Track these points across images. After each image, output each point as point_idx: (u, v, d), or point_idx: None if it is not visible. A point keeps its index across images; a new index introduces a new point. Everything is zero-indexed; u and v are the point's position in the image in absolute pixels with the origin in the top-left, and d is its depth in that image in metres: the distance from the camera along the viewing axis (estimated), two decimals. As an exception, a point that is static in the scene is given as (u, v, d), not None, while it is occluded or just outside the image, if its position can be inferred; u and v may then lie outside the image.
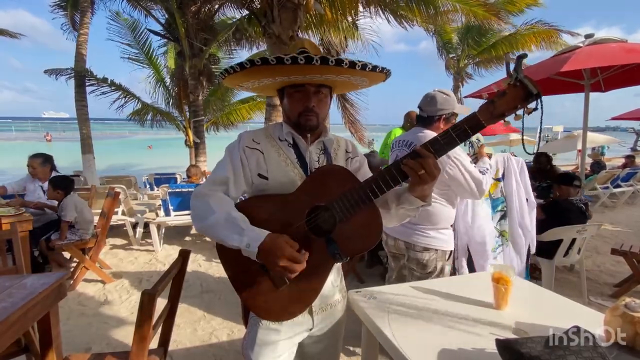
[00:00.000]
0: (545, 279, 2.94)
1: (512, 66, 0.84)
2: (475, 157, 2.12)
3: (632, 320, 0.84)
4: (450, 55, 12.51)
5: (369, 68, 0.92)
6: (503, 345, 0.85)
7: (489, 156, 2.20)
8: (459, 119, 1.91)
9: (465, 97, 4.57)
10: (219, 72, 1.03)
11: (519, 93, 0.82)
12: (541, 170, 4.43)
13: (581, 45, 3.20)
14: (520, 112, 0.84)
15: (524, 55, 0.83)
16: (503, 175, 2.30)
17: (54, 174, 3.71)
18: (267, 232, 0.90)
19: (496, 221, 2.27)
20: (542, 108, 0.83)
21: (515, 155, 2.42)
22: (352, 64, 0.89)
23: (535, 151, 1.97)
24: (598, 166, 8.34)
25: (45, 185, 3.63)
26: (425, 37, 9.22)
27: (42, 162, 3.62)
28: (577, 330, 0.82)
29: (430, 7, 5.83)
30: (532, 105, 0.83)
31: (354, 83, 1.05)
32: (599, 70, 3.49)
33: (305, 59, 0.85)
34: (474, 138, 2.12)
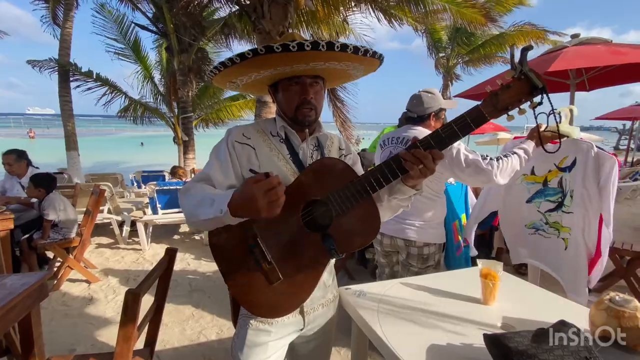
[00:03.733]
0: (531, 274, 2.99)
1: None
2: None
3: (616, 314, 0.86)
4: (440, 55, 12.63)
5: (369, 54, 0.90)
6: (491, 340, 0.86)
7: (560, 137, 1.78)
8: (447, 112, 1.93)
9: (455, 96, 4.60)
10: (212, 68, 0.98)
11: (523, 86, 0.80)
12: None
13: (567, 45, 3.25)
14: (524, 106, 0.82)
15: (530, 48, 0.81)
16: (570, 167, 1.80)
17: (30, 169, 3.63)
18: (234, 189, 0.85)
19: (544, 209, 1.93)
20: (550, 101, 0.80)
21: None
22: (356, 49, 0.87)
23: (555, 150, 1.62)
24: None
25: (24, 180, 3.55)
26: (418, 35, 9.24)
27: (16, 158, 3.55)
28: (563, 324, 0.83)
29: (420, 6, 5.85)
30: (537, 99, 0.81)
31: (350, 72, 1.03)
32: (583, 69, 3.56)
33: (312, 44, 0.82)
34: (566, 110, 1.72)
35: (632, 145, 13.11)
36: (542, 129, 1.70)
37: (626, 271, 3.07)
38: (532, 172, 1.98)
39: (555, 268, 1.95)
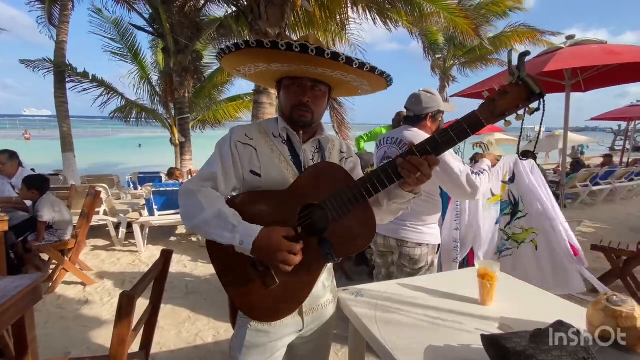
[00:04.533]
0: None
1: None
2: (475, 160, 2.09)
3: (614, 314, 0.85)
4: (437, 56, 12.68)
5: (366, 68, 0.88)
6: (489, 340, 0.85)
7: (498, 158, 2.13)
8: (445, 116, 1.92)
9: (452, 95, 4.62)
10: (216, 52, 0.99)
11: (521, 92, 0.79)
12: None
13: (563, 46, 3.28)
14: (521, 112, 0.81)
15: (527, 53, 0.80)
16: (512, 178, 2.22)
17: (21, 169, 3.63)
18: (260, 227, 0.88)
19: (504, 224, 2.22)
20: (544, 108, 0.80)
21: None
22: (349, 61, 0.85)
23: (535, 152, 1.80)
24: (578, 165, 8.58)
25: (14, 181, 3.54)
26: (414, 38, 9.27)
27: (9, 157, 3.56)
28: (561, 324, 0.83)
29: (415, 10, 5.88)
30: (534, 105, 0.80)
31: (354, 85, 1.01)
32: (579, 70, 3.58)
33: (301, 47, 0.82)
34: (486, 141, 2.17)
35: (628, 146, 13.19)
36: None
37: (622, 271, 3.09)
38: (492, 194, 2.22)
39: (530, 277, 2.07)
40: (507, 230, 2.22)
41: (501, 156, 2.17)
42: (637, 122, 12.13)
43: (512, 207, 2.23)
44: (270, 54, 0.88)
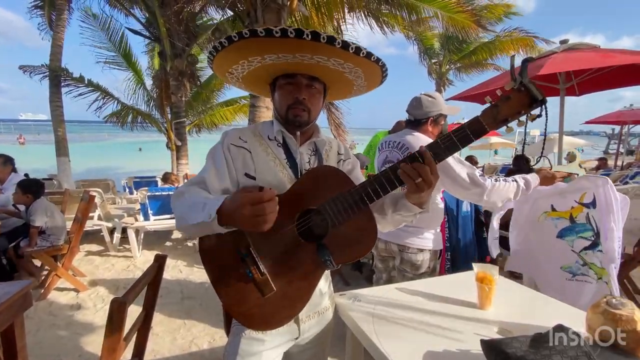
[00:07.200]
0: (526, 277, 3.00)
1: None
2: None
3: (613, 317, 0.84)
4: (433, 61, 12.79)
5: (363, 54, 0.86)
6: (488, 345, 0.84)
7: (573, 176, 1.81)
8: (449, 119, 1.90)
9: (449, 99, 4.65)
10: (207, 55, 0.97)
11: (523, 98, 0.79)
12: (520, 172, 4.58)
13: (556, 51, 3.30)
14: (523, 118, 0.81)
15: (530, 59, 0.81)
16: (593, 203, 1.75)
17: (12, 175, 3.61)
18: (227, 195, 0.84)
19: (578, 248, 1.80)
20: (546, 114, 0.80)
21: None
22: (346, 45, 0.83)
23: (536, 160, 1.50)
24: (574, 168, 8.62)
25: (5, 186, 3.52)
26: (410, 42, 9.36)
27: (2, 162, 3.56)
28: (561, 328, 0.82)
29: (412, 14, 5.92)
30: (535, 111, 0.80)
31: (349, 78, 0.99)
32: (573, 74, 3.61)
33: (296, 31, 0.80)
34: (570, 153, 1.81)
35: (622, 150, 13.33)
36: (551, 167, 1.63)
37: (619, 273, 3.09)
38: (553, 209, 1.87)
39: None
40: (584, 255, 1.81)
41: (573, 174, 1.82)
42: (631, 125, 12.27)
43: (593, 235, 1.78)
44: (263, 44, 0.85)
